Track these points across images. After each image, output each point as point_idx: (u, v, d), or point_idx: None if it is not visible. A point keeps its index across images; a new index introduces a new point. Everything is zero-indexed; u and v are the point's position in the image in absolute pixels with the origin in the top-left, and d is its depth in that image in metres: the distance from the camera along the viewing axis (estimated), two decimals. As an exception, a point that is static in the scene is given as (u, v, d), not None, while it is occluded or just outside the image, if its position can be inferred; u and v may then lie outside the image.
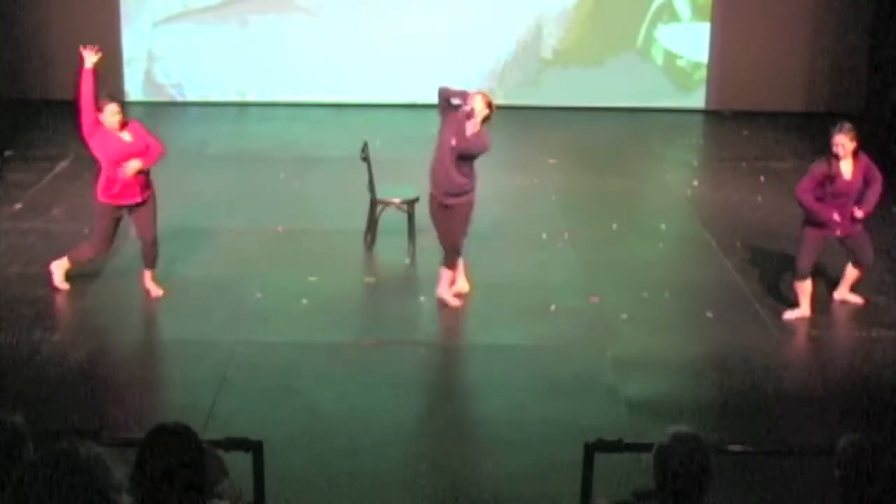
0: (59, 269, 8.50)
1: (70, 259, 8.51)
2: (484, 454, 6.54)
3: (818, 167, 8.00)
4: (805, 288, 8.21)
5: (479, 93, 8.03)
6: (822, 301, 8.52)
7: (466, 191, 8.09)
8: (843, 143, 7.89)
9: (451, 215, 8.12)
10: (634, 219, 10.43)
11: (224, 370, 7.37)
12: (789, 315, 8.25)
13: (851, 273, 8.41)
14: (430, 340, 7.93)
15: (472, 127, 7.92)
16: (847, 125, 7.99)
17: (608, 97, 14.10)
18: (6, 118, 12.95)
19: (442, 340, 7.98)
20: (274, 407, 6.95)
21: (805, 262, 8.16)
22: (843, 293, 8.50)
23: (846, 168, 7.95)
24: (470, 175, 8.08)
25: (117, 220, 8.35)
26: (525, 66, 14.19)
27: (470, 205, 8.17)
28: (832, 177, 7.93)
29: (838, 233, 8.09)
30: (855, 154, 7.95)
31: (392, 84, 13.98)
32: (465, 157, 7.98)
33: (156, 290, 8.50)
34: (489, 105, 7.95)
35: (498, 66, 14.16)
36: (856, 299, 8.48)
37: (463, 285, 8.47)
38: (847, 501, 3.73)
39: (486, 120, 7.98)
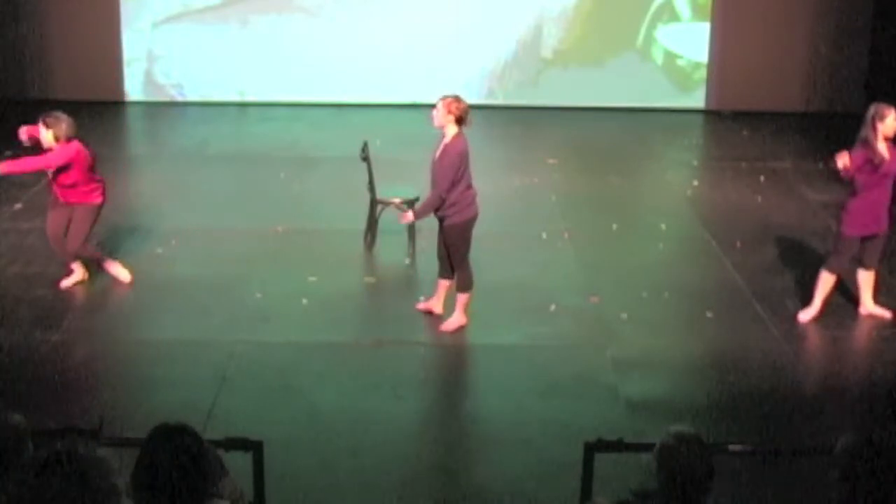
0: (77, 270, 8.66)
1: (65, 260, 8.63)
2: (484, 454, 6.54)
3: (857, 154, 7.75)
4: (827, 283, 8.09)
5: (440, 101, 7.71)
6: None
7: (447, 214, 7.74)
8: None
9: (442, 232, 7.96)
10: (634, 219, 10.44)
11: (224, 370, 7.37)
12: (804, 316, 8.16)
13: (867, 281, 8.21)
14: (430, 340, 7.93)
15: (446, 139, 7.69)
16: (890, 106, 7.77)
17: (608, 97, 14.10)
18: (6, 118, 12.94)
19: (442, 340, 7.98)
20: (274, 407, 6.95)
21: (839, 259, 8.02)
22: (868, 307, 8.27)
23: (883, 149, 7.75)
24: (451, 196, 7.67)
25: (60, 212, 8.40)
26: (525, 66, 14.19)
27: (453, 227, 7.80)
28: (878, 161, 7.71)
29: (876, 229, 7.91)
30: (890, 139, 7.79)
31: (392, 84, 13.98)
32: (439, 178, 7.67)
33: (123, 275, 8.66)
34: (451, 107, 7.61)
35: (498, 66, 14.17)
36: (883, 313, 8.24)
37: (436, 306, 8.21)
38: (847, 501, 3.73)
39: (459, 122, 7.65)
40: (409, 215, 8.04)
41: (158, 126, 13.68)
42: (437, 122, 7.71)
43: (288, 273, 8.94)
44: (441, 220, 7.86)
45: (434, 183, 7.73)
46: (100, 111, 13.29)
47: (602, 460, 5.13)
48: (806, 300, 8.43)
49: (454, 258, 7.94)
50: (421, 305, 8.30)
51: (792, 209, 10.67)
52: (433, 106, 7.80)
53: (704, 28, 14.12)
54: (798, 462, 5.93)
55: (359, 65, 13.98)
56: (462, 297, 8.05)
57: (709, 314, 8.34)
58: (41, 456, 3.30)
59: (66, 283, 8.58)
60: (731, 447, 5.48)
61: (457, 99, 7.72)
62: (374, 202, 9.39)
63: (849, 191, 8.00)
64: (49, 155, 8.15)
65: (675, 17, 14.14)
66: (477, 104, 13.94)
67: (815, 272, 9.01)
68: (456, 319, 8.04)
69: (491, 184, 10.96)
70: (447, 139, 7.69)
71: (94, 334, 7.92)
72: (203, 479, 3.58)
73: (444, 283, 8.17)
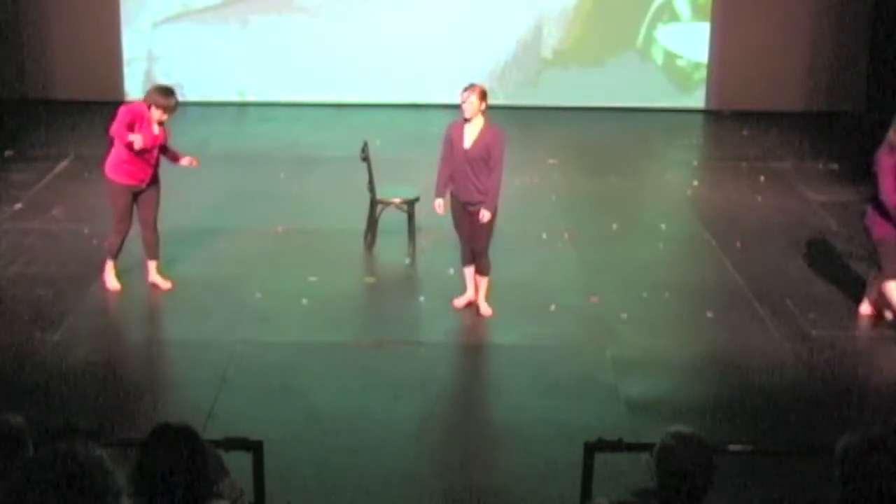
0: (108, 272, 8.54)
1: (109, 255, 8.52)
2: (484, 454, 6.54)
3: (885, 160, 7.69)
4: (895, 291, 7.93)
5: (468, 92, 7.80)
6: (820, 302, 8.52)
7: (483, 200, 7.83)
8: None
9: (473, 221, 7.99)
10: (634, 219, 10.43)
11: (224, 370, 7.36)
12: None
13: (876, 282, 8.11)
14: (430, 340, 7.93)
15: (475, 127, 7.81)
16: None
17: (608, 97, 14.10)
18: (6, 118, 12.94)
19: (442, 340, 7.98)
20: (274, 407, 6.95)
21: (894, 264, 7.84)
22: (869, 307, 8.21)
23: None
24: (486, 183, 7.82)
25: (132, 200, 8.40)
26: (525, 66, 14.19)
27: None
28: None
29: None
30: None
31: (392, 84, 13.98)
32: (483, 161, 7.80)
33: (163, 283, 8.53)
34: (482, 95, 7.78)
35: (498, 66, 14.16)
36: (887, 314, 8.15)
37: (485, 309, 8.24)
38: (847, 501, 3.73)
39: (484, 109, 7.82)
40: (487, 214, 7.87)
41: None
42: (469, 113, 7.78)
43: (288, 273, 8.94)
44: (471, 205, 7.89)
45: (477, 169, 7.79)
46: (100, 111, 13.26)
47: (602, 460, 5.13)
48: (806, 300, 8.45)
49: (481, 244, 8.03)
50: (459, 303, 8.27)
51: (792, 209, 10.67)
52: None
53: (704, 28, 14.12)
54: (798, 462, 5.93)
55: (359, 65, 13.98)
56: (486, 281, 8.16)
57: (709, 314, 8.34)
58: (41, 456, 3.30)
59: (109, 284, 8.54)
60: (731, 447, 5.47)
61: (481, 86, 7.89)
62: (374, 202, 9.39)
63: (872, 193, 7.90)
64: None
65: (675, 17, 14.15)
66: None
67: (815, 272, 9.03)
68: (486, 304, 8.19)
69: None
70: (480, 127, 7.79)
71: (94, 334, 7.92)
72: (203, 479, 3.58)
73: (470, 270, 8.24)
